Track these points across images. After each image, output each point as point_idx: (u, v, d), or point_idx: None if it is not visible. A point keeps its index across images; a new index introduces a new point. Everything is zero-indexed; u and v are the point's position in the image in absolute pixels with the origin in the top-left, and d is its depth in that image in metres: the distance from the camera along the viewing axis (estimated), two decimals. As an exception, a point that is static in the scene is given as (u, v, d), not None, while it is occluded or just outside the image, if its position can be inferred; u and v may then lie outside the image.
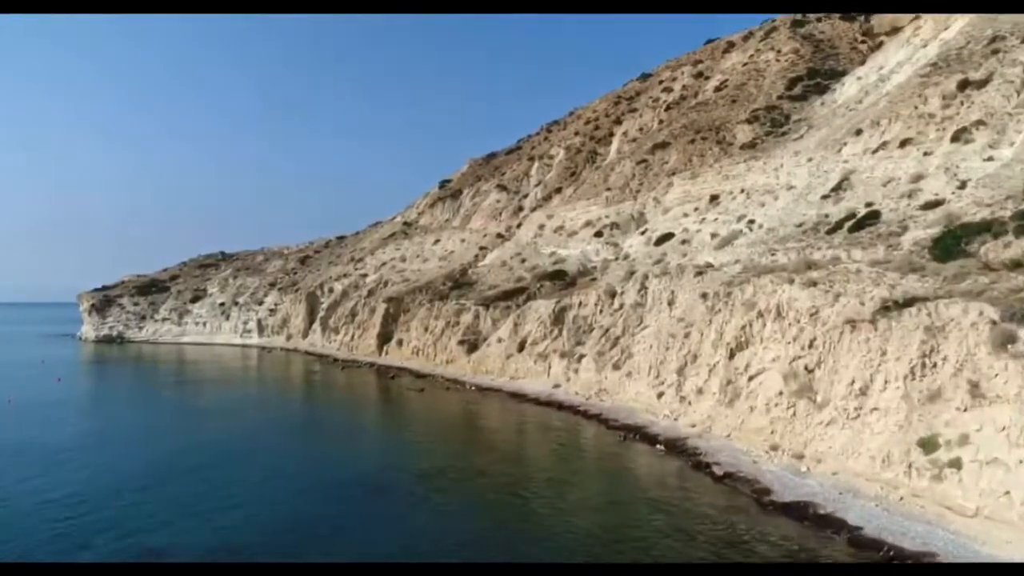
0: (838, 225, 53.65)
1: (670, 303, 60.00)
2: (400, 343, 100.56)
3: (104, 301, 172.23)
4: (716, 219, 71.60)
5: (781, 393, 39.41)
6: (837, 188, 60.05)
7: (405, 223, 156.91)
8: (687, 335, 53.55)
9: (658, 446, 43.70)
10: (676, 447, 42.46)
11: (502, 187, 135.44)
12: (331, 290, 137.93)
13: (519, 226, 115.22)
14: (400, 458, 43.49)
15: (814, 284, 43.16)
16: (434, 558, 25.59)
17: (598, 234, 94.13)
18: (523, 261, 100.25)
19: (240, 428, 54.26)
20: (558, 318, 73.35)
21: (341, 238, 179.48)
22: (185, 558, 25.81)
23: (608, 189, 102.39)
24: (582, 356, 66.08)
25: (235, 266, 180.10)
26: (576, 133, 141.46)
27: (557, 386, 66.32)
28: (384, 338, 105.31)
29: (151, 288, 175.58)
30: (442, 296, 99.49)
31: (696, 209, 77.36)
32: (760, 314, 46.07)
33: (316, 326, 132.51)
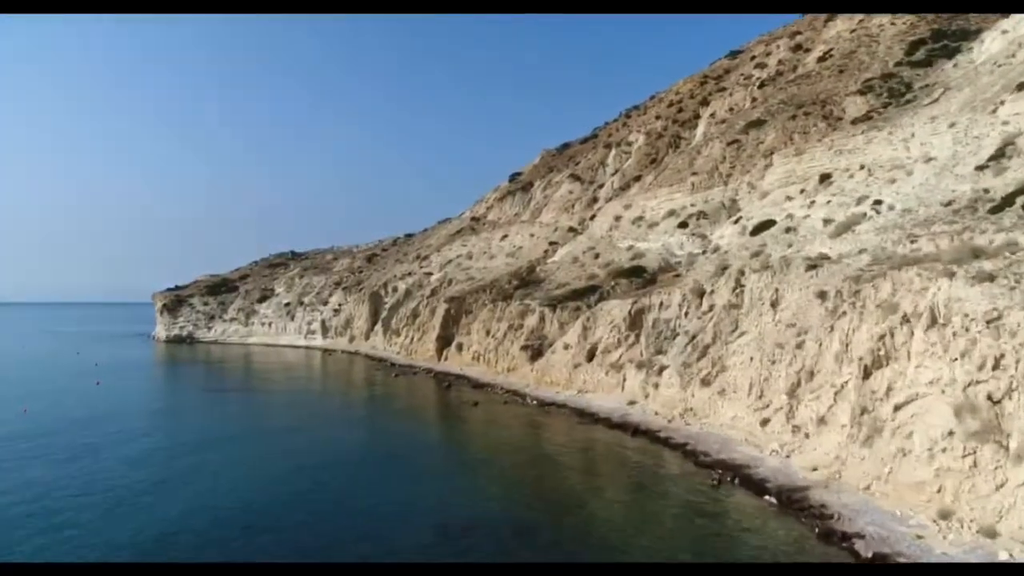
0: (1007, 201, 40.90)
1: (774, 304, 48.43)
2: (460, 348, 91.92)
3: (176, 301, 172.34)
4: (829, 201, 59.12)
5: (951, 433, 27.72)
6: (997, 156, 46.92)
7: (473, 218, 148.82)
8: (800, 345, 42.00)
9: (767, 497, 32.63)
10: (792, 500, 31.32)
11: (575, 177, 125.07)
12: (394, 289, 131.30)
13: (593, 218, 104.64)
14: (420, 503, 34.20)
15: (990, 279, 31.18)
16: None
17: (682, 224, 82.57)
18: (596, 256, 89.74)
19: (278, 463, 46.59)
20: (635, 321, 62.60)
21: (410, 236, 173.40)
22: None
23: (694, 174, 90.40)
24: (663, 368, 55.16)
25: (303, 265, 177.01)
26: (657, 117, 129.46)
27: (633, 403, 55.67)
28: (444, 342, 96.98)
29: (221, 288, 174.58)
30: (506, 296, 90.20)
31: (802, 191, 64.89)
32: (905, 319, 34.29)
33: (378, 328, 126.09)
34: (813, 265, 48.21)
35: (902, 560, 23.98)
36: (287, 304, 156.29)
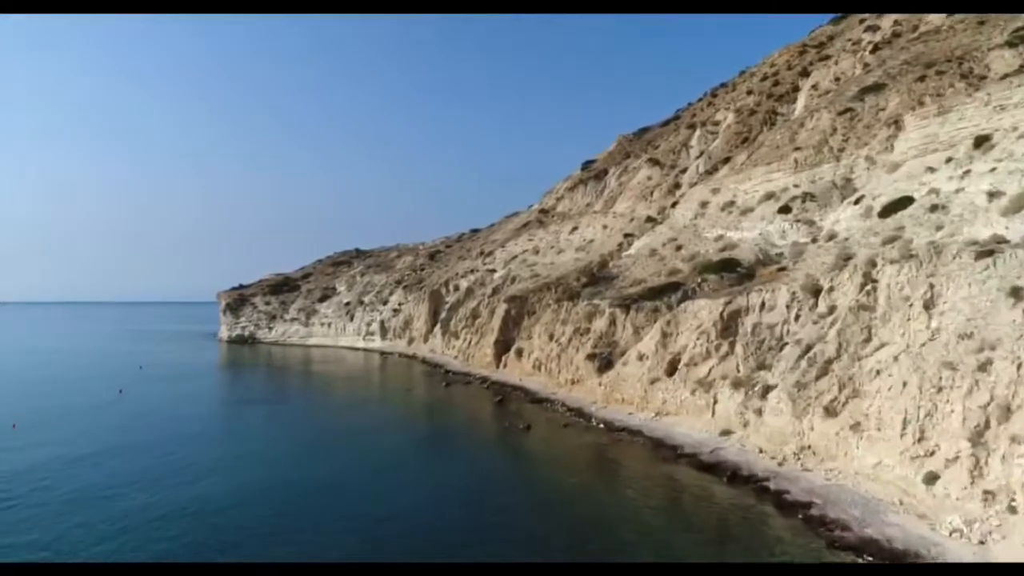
0: None
1: (928, 306, 35.15)
2: (520, 354, 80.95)
3: (239, 300, 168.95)
4: (993, 169, 44.76)
5: None
6: None
7: (542, 211, 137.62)
8: (984, 366, 28.84)
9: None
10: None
11: (654, 162, 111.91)
12: (455, 288, 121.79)
13: (675, 205, 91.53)
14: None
15: None
16: None
17: (784, 209, 68.86)
18: (679, 248, 77.01)
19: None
20: (728, 326, 49.99)
21: (476, 231, 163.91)
22: None
23: (797, 149, 76.22)
24: (768, 388, 42.45)
25: (367, 263, 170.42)
26: (749, 92, 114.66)
27: (727, 434, 43.26)
28: (503, 347, 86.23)
29: (283, 287, 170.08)
30: (572, 295, 78.61)
31: (950, 160, 50.42)
32: None
33: (437, 329, 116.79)
34: (986, 252, 34.68)
35: None
36: (347, 304, 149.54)
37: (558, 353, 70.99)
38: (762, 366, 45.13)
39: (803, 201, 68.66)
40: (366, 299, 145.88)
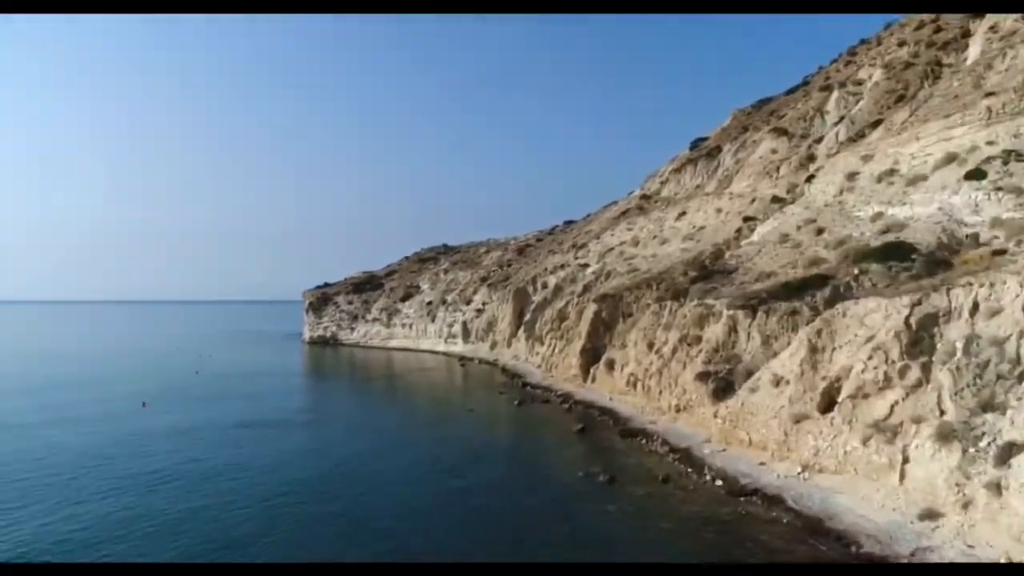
0: None
1: None
2: (611, 366, 65.65)
3: (321, 299, 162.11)
4: None
5: None
6: None
7: (643, 196, 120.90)
8: None
9: None
10: None
11: (780, 132, 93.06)
12: (543, 285, 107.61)
13: (810, 180, 73.07)
14: None
15: None
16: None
17: (975, 174, 50.01)
18: (820, 232, 59.29)
19: None
20: (918, 339, 32.98)
21: (569, 223, 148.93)
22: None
23: (989, 95, 56.68)
24: (1012, 448, 25.50)
25: (453, 259, 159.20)
26: (901, 44, 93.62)
27: (933, 516, 26.58)
28: (591, 356, 71.18)
29: (366, 285, 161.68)
30: (678, 293, 62.48)
31: None
32: None
33: (521, 333, 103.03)
34: None
35: None
36: (429, 303, 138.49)
37: (659, 368, 55.21)
38: (989, 406, 28.00)
39: (1004, 162, 49.61)
40: (449, 298, 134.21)
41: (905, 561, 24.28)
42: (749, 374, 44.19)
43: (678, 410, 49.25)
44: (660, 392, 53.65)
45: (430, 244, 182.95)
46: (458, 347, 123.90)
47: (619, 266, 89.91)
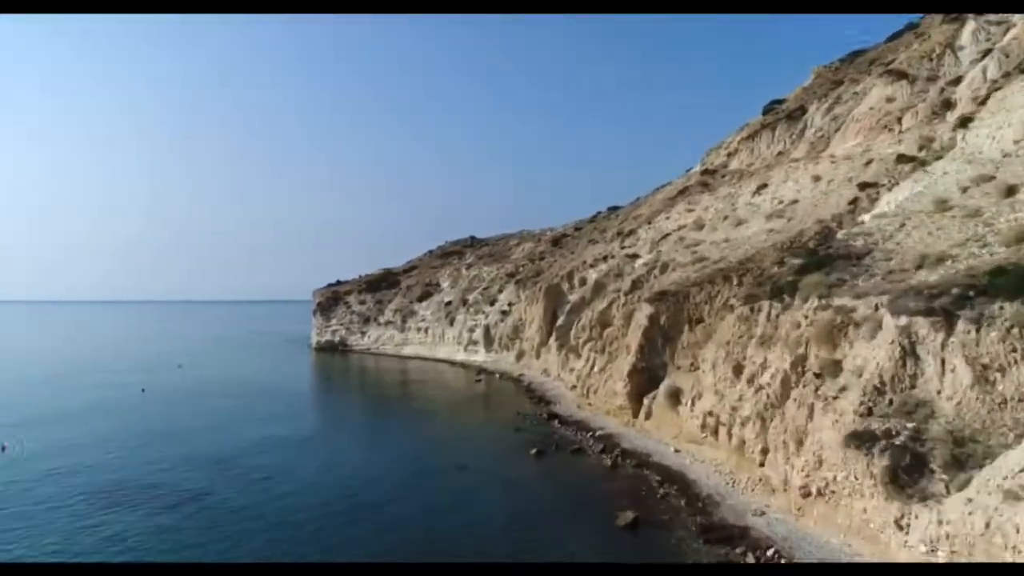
0: None
1: None
2: (676, 398, 44.95)
3: (331, 299, 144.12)
4: None
5: None
6: None
7: (705, 172, 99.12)
8: None
9: None
10: None
11: (897, 75, 70.56)
12: (581, 282, 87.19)
13: (964, 126, 50.92)
14: None
15: None
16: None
17: None
18: (1010, 192, 37.74)
19: None
20: None
21: (614, 209, 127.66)
22: None
23: None
24: None
25: (479, 253, 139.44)
26: (1060, -44, 70.07)
27: None
28: (646, 380, 50.45)
29: (381, 283, 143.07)
30: (776, 288, 41.38)
31: None
32: None
33: (552, 341, 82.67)
34: None
35: None
36: (447, 303, 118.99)
37: (758, 410, 34.30)
38: None
39: None
40: (470, 298, 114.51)
41: None
42: (958, 444, 23.08)
43: (808, 494, 28.28)
44: (764, 452, 32.79)
45: (457, 237, 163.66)
46: (479, 356, 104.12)
47: (680, 255, 68.82)
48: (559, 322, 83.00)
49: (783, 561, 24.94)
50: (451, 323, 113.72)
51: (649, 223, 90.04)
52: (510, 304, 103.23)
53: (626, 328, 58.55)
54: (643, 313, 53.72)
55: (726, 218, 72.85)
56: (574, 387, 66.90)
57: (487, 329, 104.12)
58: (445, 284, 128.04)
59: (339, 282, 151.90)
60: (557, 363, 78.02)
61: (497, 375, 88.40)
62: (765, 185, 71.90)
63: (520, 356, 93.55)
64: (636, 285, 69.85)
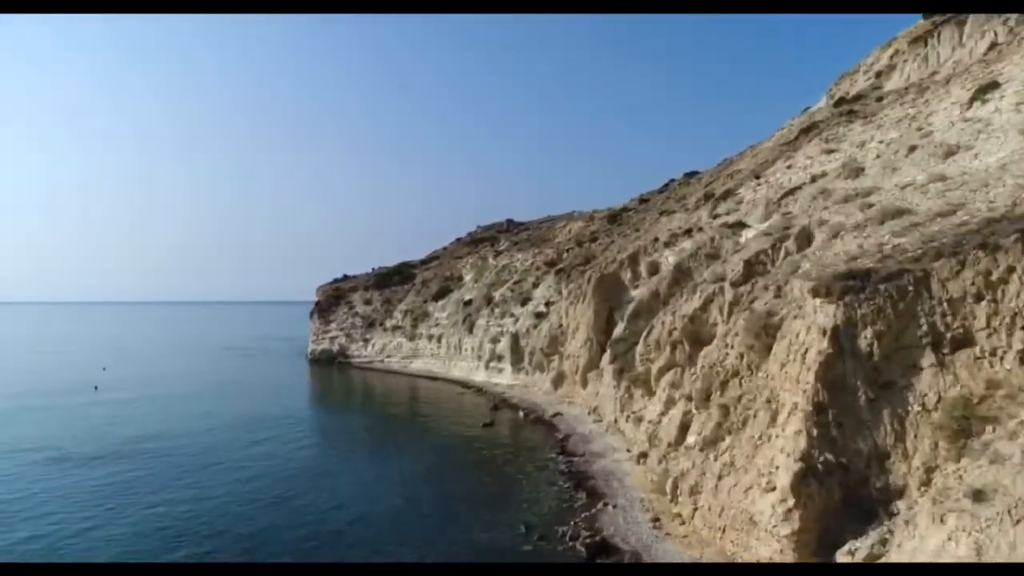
0: None
1: None
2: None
3: (332, 298, 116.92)
4: None
5: None
6: None
7: (840, 101, 67.06)
8: None
9: None
10: None
11: None
12: (652, 268, 57.05)
13: None
14: None
15: None
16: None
17: None
18: None
19: None
20: None
21: (691, 175, 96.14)
22: None
23: None
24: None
25: (515, 239, 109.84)
26: None
27: None
28: (840, 508, 19.90)
29: (393, 277, 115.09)
30: None
31: None
32: None
33: (606, 362, 52.36)
34: None
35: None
36: (467, 303, 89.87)
37: None
38: None
39: None
40: (497, 295, 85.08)
41: None
42: None
43: None
44: None
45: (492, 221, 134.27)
46: (503, 377, 74.75)
47: (835, 214, 37.90)
48: (617, 331, 52.82)
49: None
50: (470, 329, 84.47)
51: (757, 178, 58.90)
52: (547, 303, 73.39)
53: (753, 353, 28.13)
54: (814, 322, 23.28)
55: (913, 150, 41.31)
56: (643, 457, 36.78)
57: (515, 339, 74.45)
58: (468, 277, 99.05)
59: (345, 277, 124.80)
60: (613, 401, 47.85)
61: (522, 412, 58.45)
62: (994, 85, 40.04)
63: (558, 381, 63.65)
64: (754, 270, 39.28)
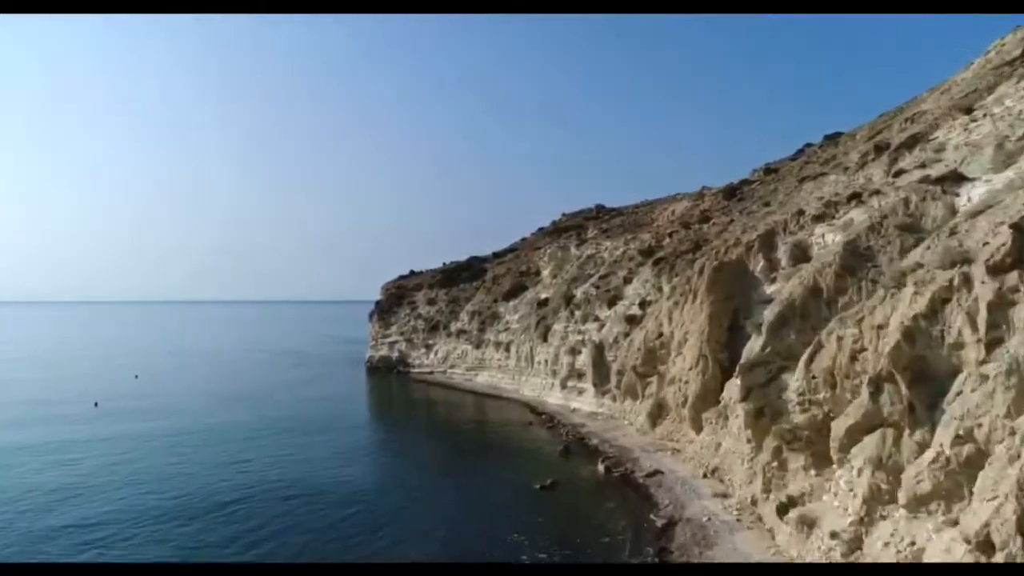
0: None
1: None
2: None
3: (395, 298, 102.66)
4: None
5: None
6: None
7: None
8: None
9: None
10: None
11: None
12: (797, 252, 38.10)
13: None
14: None
15: None
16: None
17: None
18: None
19: None
20: None
21: (833, 137, 74.94)
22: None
23: None
24: None
25: (604, 226, 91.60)
26: None
27: None
28: None
29: (462, 273, 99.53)
30: None
31: None
32: None
33: (733, 395, 33.82)
34: None
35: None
36: (541, 303, 72.73)
37: None
38: None
39: None
40: (578, 292, 67.48)
41: None
42: None
43: None
44: None
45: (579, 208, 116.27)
46: (584, 401, 57.14)
47: None
48: (751, 347, 34.19)
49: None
50: (544, 336, 67.18)
51: (968, 112, 38.75)
52: (643, 304, 55.18)
53: None
54: None
55: None
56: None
57: (599, 350, 56.53)
58: (545, 272, 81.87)
59: (411, 273, 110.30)
60: (749, 467, 29.43)
61: (603, 464, 40.57)
62: None
63: (657, 415, 45.43)
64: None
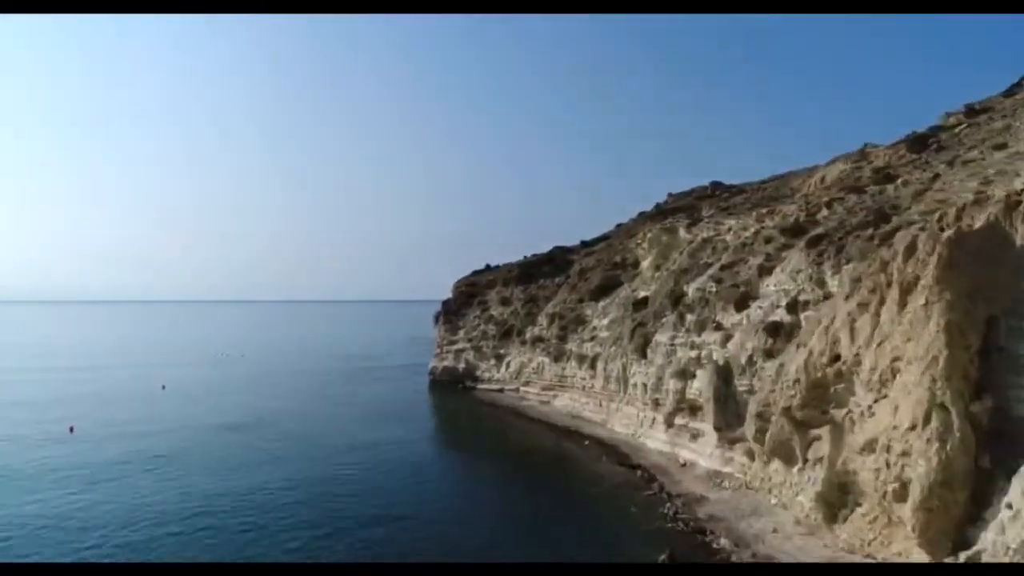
0: None
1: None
2: None
3: (464, 297, 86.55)
4: None
5: None
6: None
7: None
8: None
9: None
10: None
11: None
12: None
13: None
14: None
15: None
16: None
17: None
18: None
19: None
20: None
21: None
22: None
23: None
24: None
25: (723, 204, 71.55)
26: None
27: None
28: None
29: (542, 267, 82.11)
30: None
31: None
32: None
33: (964, 470, 14.82)
34: None
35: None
36: (638, 303, 54.16)
37: None
38: None
39: None
40: (690, 289, 48.55)
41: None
42: None
43: None
44: None
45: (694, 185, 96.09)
46: (702, 454, 38.42)
47: None
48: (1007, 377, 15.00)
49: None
50: (641, 351, 48.63)
51: None
52: (792, 305, 35.91)
53: None
54: None
55: None
56: None
57: (724, 375, 37.62)
58: (645, 262, 63.06)
59: (487, 268, 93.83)
60: None
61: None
62: None
63: (836, 504, 26.24)
64: None
